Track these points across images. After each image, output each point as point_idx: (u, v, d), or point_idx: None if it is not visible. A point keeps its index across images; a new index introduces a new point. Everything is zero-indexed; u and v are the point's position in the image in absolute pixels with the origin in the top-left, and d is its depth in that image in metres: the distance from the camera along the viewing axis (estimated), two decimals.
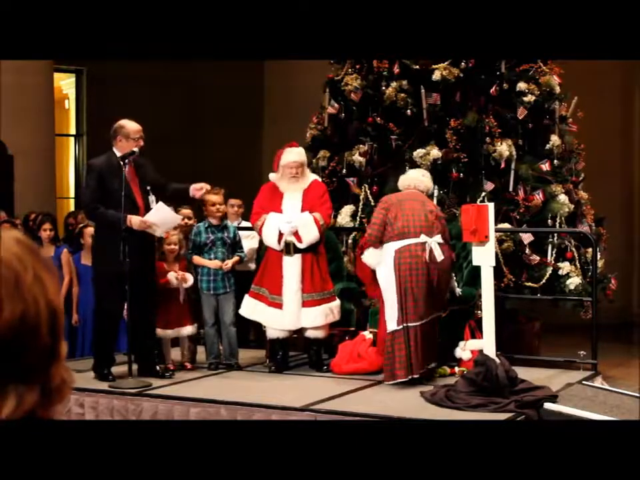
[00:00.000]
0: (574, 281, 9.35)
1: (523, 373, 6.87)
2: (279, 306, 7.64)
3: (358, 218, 9.90)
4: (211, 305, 7.87)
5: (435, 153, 9.58)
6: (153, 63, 12.12)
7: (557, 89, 10.17)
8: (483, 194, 9.48)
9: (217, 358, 7.91)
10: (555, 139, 9.97)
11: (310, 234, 7.62)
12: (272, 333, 7.79)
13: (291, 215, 7.66)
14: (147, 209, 7.30)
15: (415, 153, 9.68)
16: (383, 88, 10.11)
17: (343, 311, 7.97)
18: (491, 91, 9.86)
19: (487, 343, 6.66)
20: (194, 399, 6.61)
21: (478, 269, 6.89)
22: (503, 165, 9.62)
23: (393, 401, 6.57)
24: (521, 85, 9.90)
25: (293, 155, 7.81)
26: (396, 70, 10.05)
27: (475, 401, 6.29)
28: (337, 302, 7.84)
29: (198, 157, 14.44)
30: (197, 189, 7.52)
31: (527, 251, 9.44)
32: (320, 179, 8.37)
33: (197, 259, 7.88)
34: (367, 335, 7.88)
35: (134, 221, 7.14)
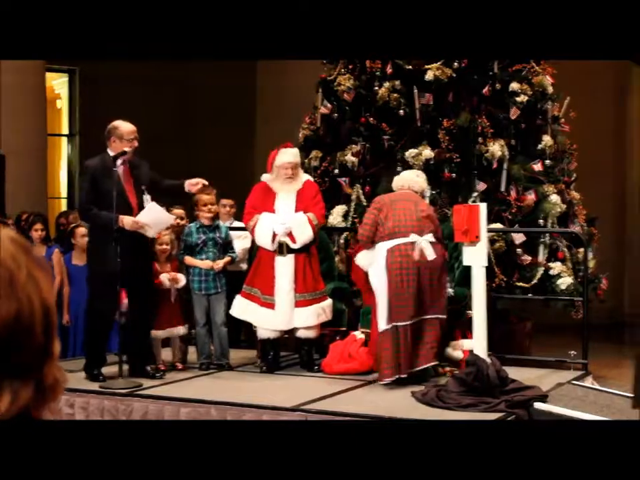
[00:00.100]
0: (565, 281, 9.37)
1: (513, 372, 6.88)
2: (271, 306, 7.64)
3: (350, 218, 9.91)
4: (202, 305, 7.86)
5: (428, 153, 9.59)
6: (145, 62, 12.10)
7: (550, 89, 10.19)
8: (475, 194, 9.49)
9: (208, 358, 7.91)
10: (547, 139, 9.99)
11: (304, 234, 7.62)
12: (263, 333, 7.79)
13: (284, 215, 7.66)
14: (141, 209, 7.30)
15: (407, 153, 9.69)
16: (376, 88, 10.13)
17: (334, 310, 7.97)
18: (484, 91, 9.88)
19: (478, 343, 6.67)
20: (184, 399, 6.60)
21: (469, 269, 6.90)
22: (495, 165, 9.64)
23: (383, 401, 6.57)
24: (514, 85, 9.92)
25: (288, 155, 7.81)
26: (389, 70, 10.06)
27: (466, 400, 6.30)
28: (329, 301, 7.84)
29: (190, 157, 14.43)
30: (193, 184, 7.52)
31: (519, 251, 9.46)
32: (312, 179, 8.36)
33: (188, 259, 7.87)
34: (358, 335, 7.88)
35: (126, 221, 7.13)
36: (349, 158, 10.13)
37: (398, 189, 7.65)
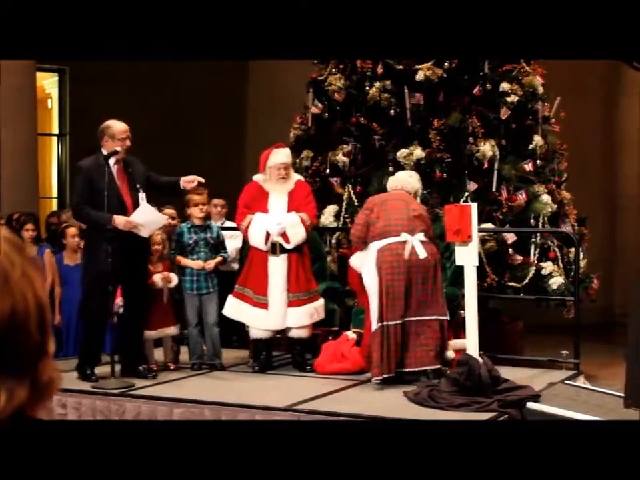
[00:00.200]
0: (556, 281, 9.39)
1: (505, 372, 6.88)
2: (264, 306, 7.64)
3: (341, 218, 9.91)
4: (194, 305, 7.85)
5: (418, 153, 9.60)
6: (135, 62, 12.08)
7: (540, 90, 10.21)
8: (466, 194, 9.50)
9: (200, 358, 7.90)
10: (537, 139, 10.00)
11: (298, 234, 7.62)
12: (255, 333, 7.79)
13: (277, 215, 7.66)
14: (137, 207, 7.30)
15: (398, 153, 9.70)
16: (367, 88, 10.13)
17: (326, 310, 7.97)
18: (474, 91, 9.89)
19: (470, 343, 6.67)
20: (177, 399, 6.60)
21: (461, 268, 6.90)
22: (486, 165, 9.65)
23: (376, 400, 6.57)
24: (504, 86, 9.94)
25: (281, 156, 7.80)
26: (379, 70, 10.07)
27: (458, 400, 6.30)
28: (322, 301, 7.85)
29: (180, 156, 14.37)
30: (189, 182, 7.51)
31: (510, 250, 9.48)
32: (303, 179, 8.36)
33: (179, 260, 7.86)
34: (350, 334, 7.88)
35: (119, 221, 7.12)
36: (340, 158, 10.13)
37: (392, 190, 7.66)
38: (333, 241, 9.97)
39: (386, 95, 9.99)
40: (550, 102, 10.39)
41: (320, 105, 10.56)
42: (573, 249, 9.46)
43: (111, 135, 7.32)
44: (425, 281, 7.13)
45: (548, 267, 9.46)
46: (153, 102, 14.55)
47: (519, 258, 9.49)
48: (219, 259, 7.91)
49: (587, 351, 8.60)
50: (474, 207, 6.80)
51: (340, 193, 10.08)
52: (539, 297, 9.46)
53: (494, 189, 9.66)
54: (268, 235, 7.60)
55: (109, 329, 7.45)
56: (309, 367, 7.81)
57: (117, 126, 7.37)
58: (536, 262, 9.52)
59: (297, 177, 8.09)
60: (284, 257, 7.63)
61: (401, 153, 9.66)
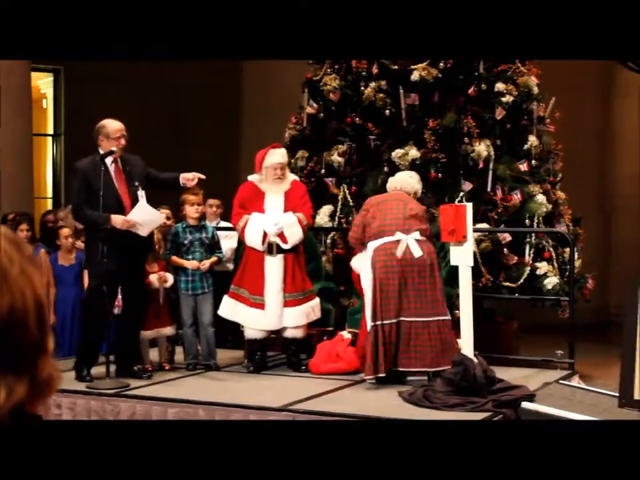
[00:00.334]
0: (551, 281, 9.39)
1: (500, 372, 6.89)
2: (260, 306, 7.63)
3: (336, 218, 9.91)
4: (189, 306, 7.85)
5: (414, 153, 9.60)
6: (130, 62, 12.06)
7: (535, 90, 10.22)
8: (461, 194, 9.51)
9: (195, 358, 7.90)
10: (532, 139, 10.01)
11: (295, 235, 7.63)
12: (250, 333, 7.78)
13: (274, 216, 7.65)
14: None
15: (393, 153, 9.70)
16: (362, 88, 10.14)
17: (321, 310, 7.97)
18: (469, 91, 9.89)
19: (465, 343, 6.67)
20: (172, 399, 6.60)
21: (456, 268, 6.90)
22: (481, 165, 9.66)
23: (371, 400, 6.58)
24: (499, 86, 9.94)
25: (278, 156, 7.80)
26: (375, 70, 10.08)
27: (453, 400, 6.30)
28: (317, 300, 7.86)
29: (175, 156, 14.35)
30: (189, 179, 7.47)
31: (505, 250, 9.48)
32: (298, 179, 8.36)
33: (174, 260, 7.86)
34: (345, 334, 7.88)
35: (117, 220, 7.12)
36: (335, 158, 10.13)
37: (391, 190, 7.65)
38: (328, 241, 9.97)
39: (381, 95, 10.00)
40: (545, 102, 10.40)
41: (315, 105, 10.55)
42: (567, 249, 9.47)
43: (106, 134, 7.31)
44: (421, 279, 7.11)
45: (543, 267, 9.47)
46: (148, 102, 14.53)
47: (514, 258, 9.50)
48: (213, 259, 7.90)
49: (581, 350, 8.60)
50: (469, 207, 6.81)
51: (335, 193, 10.08)
52: (533, 297, 9.47)
53: (489, 189, 9.67)
54: (265, 235, 7.60)
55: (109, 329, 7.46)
56: (303, 367, 7.81)
57: (111, 125, 7.36)
58: (531, 262, 9.52)
59: (292, 177, 8.09)
60: (280, 257, 7.63)
61: (396, 153, 9.67)
